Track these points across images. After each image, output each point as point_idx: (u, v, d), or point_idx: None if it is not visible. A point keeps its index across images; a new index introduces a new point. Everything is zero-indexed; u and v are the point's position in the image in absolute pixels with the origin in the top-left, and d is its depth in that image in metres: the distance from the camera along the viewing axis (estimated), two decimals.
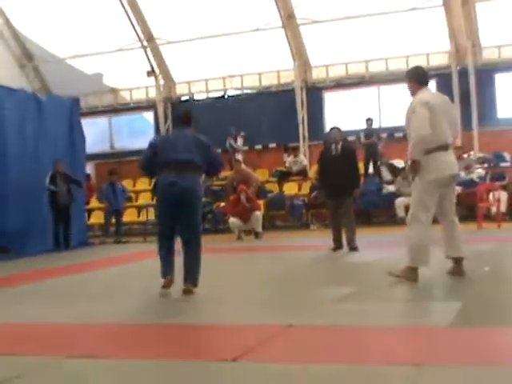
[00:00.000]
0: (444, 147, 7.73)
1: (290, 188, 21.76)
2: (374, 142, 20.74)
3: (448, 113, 7.91)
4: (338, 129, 12.63)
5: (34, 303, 8.11)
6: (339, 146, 12.22)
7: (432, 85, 21.92)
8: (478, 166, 19.66)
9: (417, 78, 8.03)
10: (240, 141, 22.69)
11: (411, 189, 8.09)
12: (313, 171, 21.39)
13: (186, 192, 7.92)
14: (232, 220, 17.08)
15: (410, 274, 7.74)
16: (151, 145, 8.69)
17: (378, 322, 5.84)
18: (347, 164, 12.11)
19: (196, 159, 8.00)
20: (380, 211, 19.78)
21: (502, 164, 19.93)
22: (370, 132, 20.83)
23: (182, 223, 8.11)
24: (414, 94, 7.95)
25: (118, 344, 5.54)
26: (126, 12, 23.25)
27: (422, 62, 21.75)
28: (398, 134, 21.67)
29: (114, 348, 5.37)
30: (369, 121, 20.98)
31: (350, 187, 12.16)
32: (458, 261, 7.94)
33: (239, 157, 21.74)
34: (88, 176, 22.42)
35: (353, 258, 11.31)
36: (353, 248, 11.99)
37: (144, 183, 24.52)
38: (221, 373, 4.48)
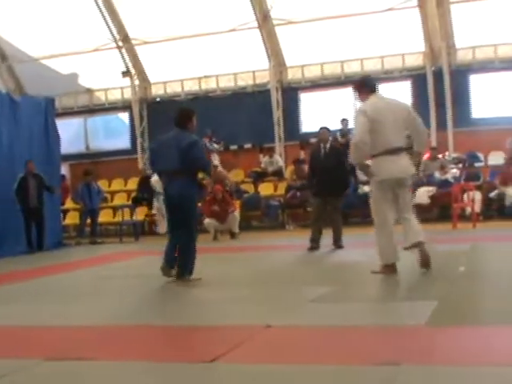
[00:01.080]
0: (390, 151, 8.20)
1: (266, 188, 21.74)
2: (349, 142, 20.77)
3: (397, 119, 8.29)
4: (327, 129, 13.31)
5: (9, 305, 8.07)
6: (328, 145, 12.60)
7: (407, 85, 22.13)
8: (452, 166, 19.77)
9: (365, 86, 8.61)
10: (217, 146, 22.57)
11: (371, 193, 8.61)
12: (288, 172, 21.44)
13: (172, 197, 8.95)
14: (207, 220, 17.09)
15: (387, 270, 8.32)
16: (150, 149, 10.03)
17: (356, 321, 5.88)
18: (336, 162, 12.48)
19: (181, 166, 8.76)
20: (356, 211, 19.81)
21: (477, 164, 20.05)
22: (345, 132, 20.88)
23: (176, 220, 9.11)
24: (363, 101, 8.52)
25: (97, 345, 5.52)
26: (101, 12, 23.14)
27: (397, 63, 21.94)
28: None
29: (93, 350, 5.34)
30: (344, 121, 21.04)
31: (338, 186, 12.46)
32: (419, 246, 8.31)
33: (216, 161, 21.71)
34: (63, 177, 22.30)
35: (330, 258, 11.38)
36: (339, 246, 12.24)
37: (119, 184, 24.48)
38: (199, 374, 4.48)
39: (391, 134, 8.22)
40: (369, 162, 8.43)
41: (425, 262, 8.31)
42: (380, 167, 8.26)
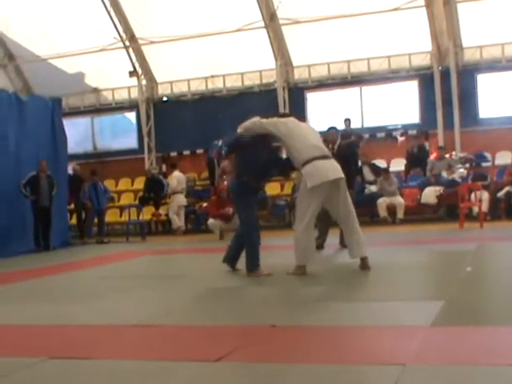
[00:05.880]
0: (319, 157, 8.77)
1: (273, 188, 21.70)
2: (352, 142, 20.66)
3: (314, 132, 9.41)
4: (335, 128, 13.12)
5: (13, 304, 8.07)
6: (335, 146, 12.48)
7: (414, 85, 22.10)
8: (459, 166, 19.73)
9: (280, 115, 9.73)
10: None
11: (299, 195, 9.17)
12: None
13: None
14: (211, 221, 17.09)
15: (299, 271, 8.88)
16: None
17: (360, 321, 5.86)
18: (343, 163, 12.36)
19: None
20: (362, 211, 19.76)
21: (484, 164, 19.99)
22: (347, 132, 20.77)
23: None
24: None
25: (102, 345, 5.51)
26: (108, 12, 23.15)
27: (403, 63, 21.89)
28: (380, 134, 21.75)
29: (98, 349, 5.34)
30: (347, 121, 20.96)
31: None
32: (363, 259, 9.01)
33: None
34: (70, 176, 22.34)
35: (334, 258, 11.35)
36: (345, 246, 12.23)
37: (126, 183, 24.50)
38: (203, 373, 4.46)
39: (314, 142, 8.91)
40: (302, 170, 8.79)
41: (363, 268, 8.98)
42: (313, 173, 8.65)
